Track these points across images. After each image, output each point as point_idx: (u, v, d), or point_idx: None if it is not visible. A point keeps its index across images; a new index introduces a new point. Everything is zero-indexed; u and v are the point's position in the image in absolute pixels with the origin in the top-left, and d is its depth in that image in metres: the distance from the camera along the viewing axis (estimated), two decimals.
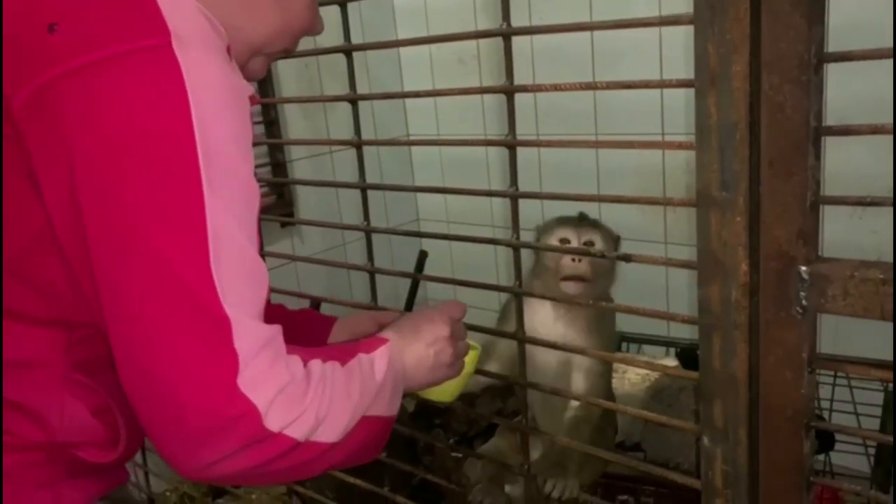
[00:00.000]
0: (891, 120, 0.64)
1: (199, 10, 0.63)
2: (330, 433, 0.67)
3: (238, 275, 0.61)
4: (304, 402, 0.64)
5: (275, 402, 0.62)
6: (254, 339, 0.61)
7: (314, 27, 0.82)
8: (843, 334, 1.78)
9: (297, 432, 0.64)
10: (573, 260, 1.35)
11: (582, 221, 1.46)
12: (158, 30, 0.59)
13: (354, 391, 0.71)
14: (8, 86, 0.58)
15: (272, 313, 1.03)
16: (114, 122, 0.58)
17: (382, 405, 0.76)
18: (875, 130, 0.64)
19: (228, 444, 0.61)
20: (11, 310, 0.67)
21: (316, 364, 0.69)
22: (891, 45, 0.61)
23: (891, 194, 0.89)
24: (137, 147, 0.58)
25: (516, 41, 0.89)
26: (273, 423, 0.62)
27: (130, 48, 0.58)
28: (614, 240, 1.48)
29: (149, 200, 0.58)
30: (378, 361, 0.77)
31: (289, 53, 0.83)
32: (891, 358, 1.16)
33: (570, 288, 1.34)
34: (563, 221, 1.46)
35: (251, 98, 0.73)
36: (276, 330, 0.65)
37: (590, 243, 1.40)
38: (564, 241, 1.42)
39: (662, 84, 0.76)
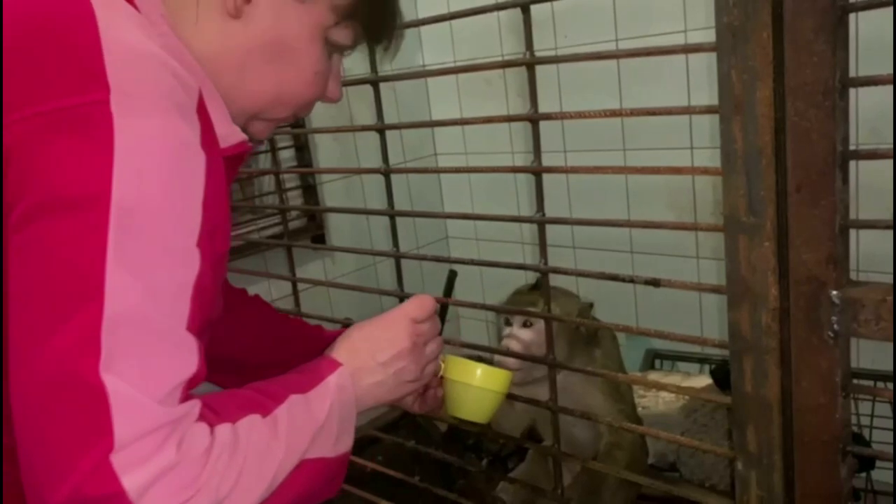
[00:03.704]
0: None
1: (164, 65, 0.60)
2: (241, 502, 0.61)
3: (139, 348, 0.56)
4: (198, 483, 0.58)
5: (154, 486, 0.55)
6: (141, 420, 0.55)
7: (326, 97, 0.80)
8: (883, 345, 1.74)
9: None
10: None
11: (532, 291, 1.40)
12: (98, 86, 0.57)
13: (279, 445, 0.66)
14: None
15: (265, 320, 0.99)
16: (36, 179, 0.56)
17: (327, 446, 0.71)
18: None
19: None
20: None
21: (223, 431, 0.62)
22: None
23: None
24: (50, 205, 0.55)
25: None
26: None
27: (65, 104, 0.56)
28: (580, 307, 1.39)
29: (44, 260, 0.55)
30: (316, 402, 0.72)
31: (297, 118, 0.81)
32: None
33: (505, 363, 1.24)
34: (517, 293, 1.43)
35: (240, 144, 0.70)
36: (182, 412, 0.58)
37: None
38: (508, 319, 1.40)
39: (687, 110, 0.75)
